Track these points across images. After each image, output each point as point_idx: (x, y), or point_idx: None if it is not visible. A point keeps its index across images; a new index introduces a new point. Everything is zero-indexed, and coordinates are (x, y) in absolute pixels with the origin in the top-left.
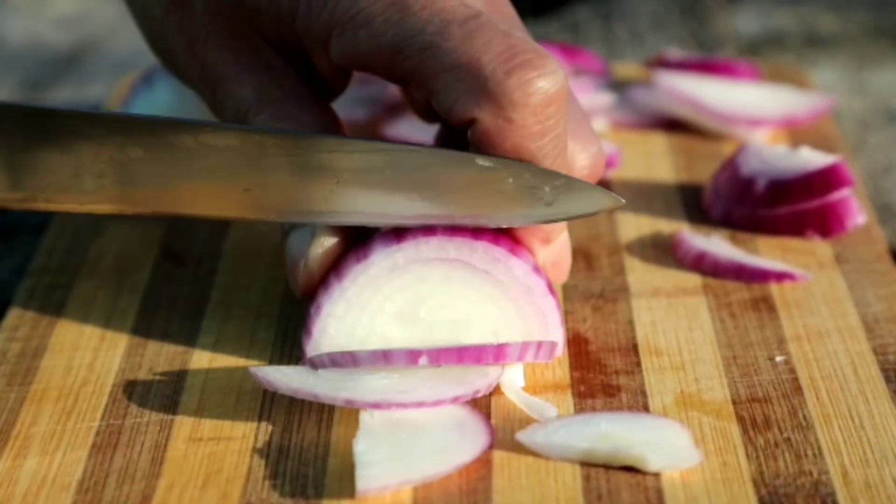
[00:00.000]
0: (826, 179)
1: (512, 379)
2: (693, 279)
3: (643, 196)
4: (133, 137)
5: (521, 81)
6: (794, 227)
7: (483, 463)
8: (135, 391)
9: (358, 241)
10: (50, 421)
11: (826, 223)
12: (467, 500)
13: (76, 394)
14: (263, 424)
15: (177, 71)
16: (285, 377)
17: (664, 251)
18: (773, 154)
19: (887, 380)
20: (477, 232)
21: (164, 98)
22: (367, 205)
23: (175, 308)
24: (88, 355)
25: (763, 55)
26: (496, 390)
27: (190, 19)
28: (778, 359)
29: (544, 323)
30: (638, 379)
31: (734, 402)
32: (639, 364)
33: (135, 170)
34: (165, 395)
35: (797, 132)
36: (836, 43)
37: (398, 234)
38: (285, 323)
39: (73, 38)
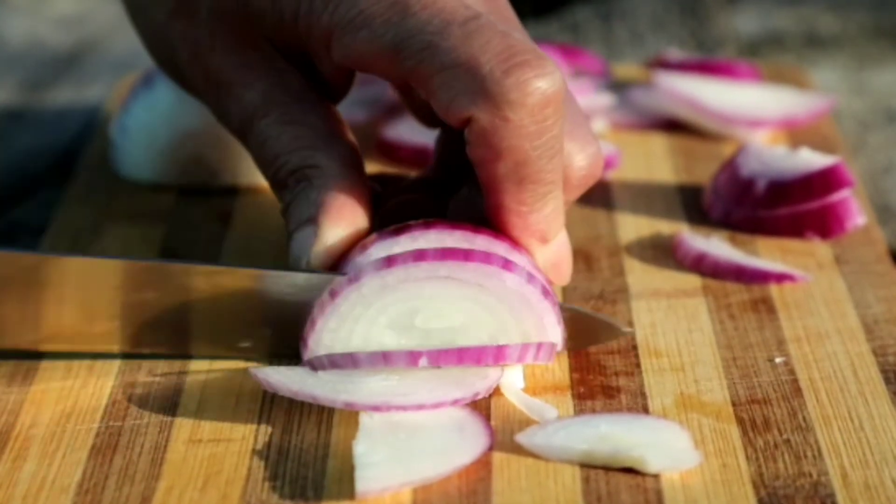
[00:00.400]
0: (826, 180)
1: (511, 381)
2: (693, 280)
3: (643, 197)
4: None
5: (518, 81)
6: (794, 228)
7: (483, 464)
8: (134, 393)
9: (361, 239)
10: (49, 422)
11: (826, 224)
12: (467, 501)
13: (76, 395)
14: (263, 426)
15: (179, 77)
16: (285, 379)
17: (664, 252)
18: (772, 155)
19: (887, 381)
20: (468, 253)
21: (164, 99)
22: None
23: None
24: (88, 356)
25: (763, 55)
26: (496, 392)
27: (195, 24)
28: (777, 360)
29: (542, 326)
30: (637, 380)
31: (734, 404)
32: (638, 365)
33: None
34: (165, 396)
35: (797, 133)
36: (836, 43)
37: (388, 259)
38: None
39: (73, 38)
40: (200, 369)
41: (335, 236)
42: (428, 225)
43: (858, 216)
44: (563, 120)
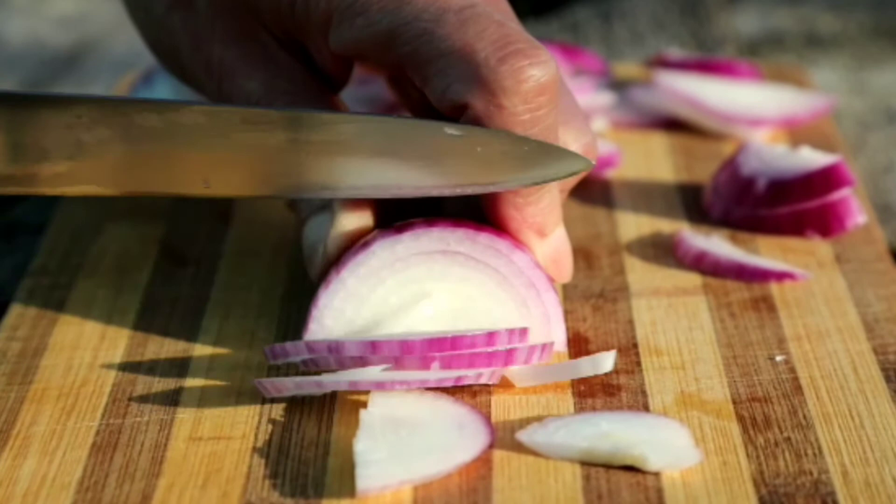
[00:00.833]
0: (826, 179)
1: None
2: (693, 279)
3: (643, 196)
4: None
5: (513, 69)
6: (795, 226)
7: (483, 462)
8: (135, 390)
9: (379, 224)
10: (50, 420)
11: (826, 223)
12: (467, 499)
13: (76, 393)
14: (263, 424)
15: (179, 70)
16: (287, 380)
17: (664, 251)
18: (773, 154)
19: (887, 379)
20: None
21: (164, 97)
22: (339, 176)
23: (175, 308)
24: (88, 355)
25: (763, 55)
26: (497, 389)
27: (194, 16)
28: (778, 358)
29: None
30: (638, 378)
31: (734, 402)
32: (639, 363)
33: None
34: (165, 394)
35: (797, 132)
36: (836, 43)
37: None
38: (285, 323)
39: (73, 38)
40: (201, 367)
41: (351, 222)
42: (430, 223)
43: (859, 215)
44: (557, 110)
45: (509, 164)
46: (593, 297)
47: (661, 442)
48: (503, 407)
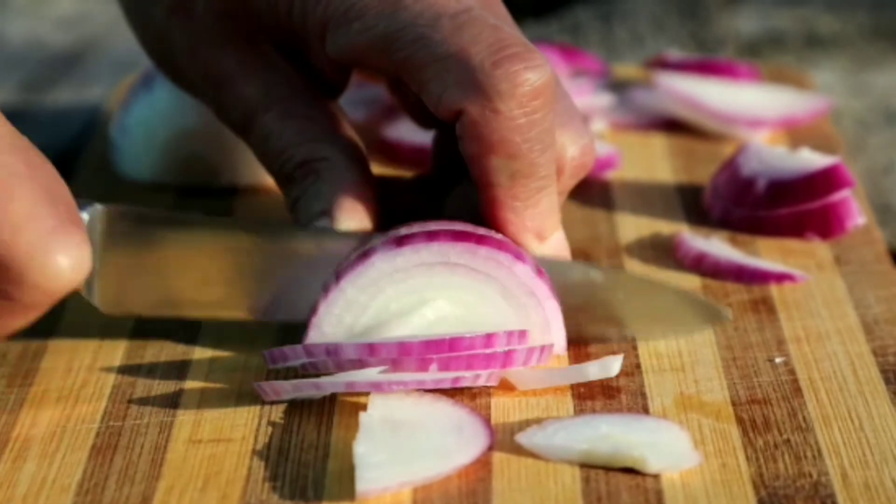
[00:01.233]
0: (826, 180)
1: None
2: (693, 280)
3: (643, 197)
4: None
5: (508, 73)
6: (794, 228)
7: (482, 464)
8: (135, 393)
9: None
10: (50, 423)
11: (826, 224)
12: (467, 501)
13: (76, 395)
14: (263, 426)
15: (177, 76)
16: (287, 384)
17: (664, 252)
18: (772, 155)
19: (887, 381)
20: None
21: (164, 99)
22: None
23: None
24: (88, 357)
25: (763, 56)
26: (496, 391)
27: (192, 21)
28: (777, 360)
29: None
30: (637, 380)
31: (734, 404)
32: (638, 365)
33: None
34: (165, 396)
35: (797, 133)
36: (836, 43)
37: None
38: (285, 325)
39: (73, 38)
40: (201, 369)
41: (351, 227)
42: (431, 237)
43: (858, 216)
44: (553, 114)
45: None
46: None
47: (661, 444)
48: (503, 409)
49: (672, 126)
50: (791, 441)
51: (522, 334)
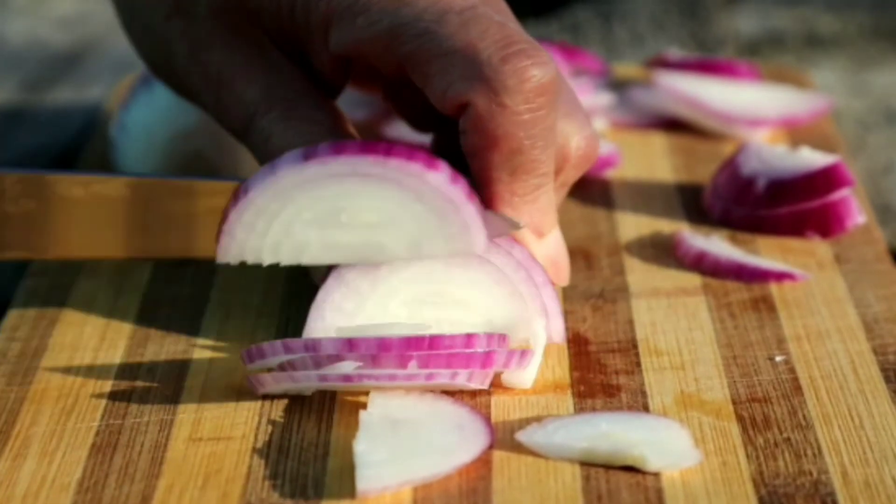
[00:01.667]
0: (826, 179)
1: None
2: (693, 279)
3: (643, 196)
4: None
5: (516, 68)
6: (794, 227)
7: (483, 463)
8: (135, 391)
9: None
10: (50, 421)
11: (826, 223)
12: (467, 500)
13: (76, 394)
14: (263, 424)
15: (174, 80)
16: (270, 377)
17: (664, 251)
18: (773, 154)
19: (887, 380)
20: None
21: (163, 98)
22: None
23: (175, 308)
24: (88, 355)
25: (763, 55)
26: (496, 390)
27: (193, 23)
28: (778, 359)
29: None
30: (638, 379)
31: (734, 402)
32: (639, 364)
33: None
34: (165, 395)
35: (797, 132)
36: (836, 43)
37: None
38: (285, 323)
39: (73, 38)
40: (201, 367)
41: None
42: (338, 150)
43: (858, 215)
44: (556, 112)
45: None
46: (593, 298)
47: (661, 442)
48: (503, 407)
49: (672, 125)
50: (791, 439)
51: (503, 338)
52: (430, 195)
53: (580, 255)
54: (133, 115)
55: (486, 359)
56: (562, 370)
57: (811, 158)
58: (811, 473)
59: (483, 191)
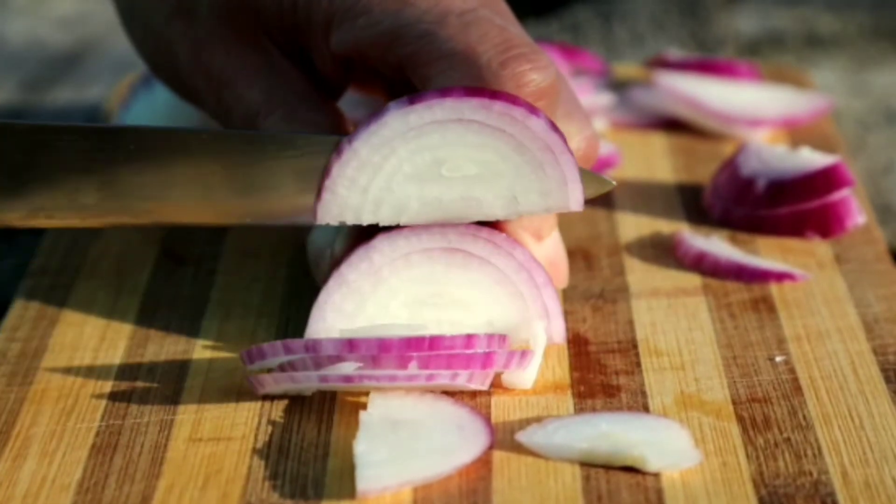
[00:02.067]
0: (826, 180)
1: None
2: (693, 279)
3: (643, 196)
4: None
5: (514, 72)
6: (794, 227)
7: (483, 463)
8: (135, 392)
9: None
10: (50, 421)
11: (826, 223)
12: (467, 500)
13: (76, 394)
14: (263, 425)
15: (176, 82)
16: (271, 378)
17: (664, 251)
18: (772, 154)
19: (887, 380)
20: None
21: (163, 99)
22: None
23: (175, 308)
24: (88, 355)
25: (763, 55)
26: (496, 390)
27: (195, 25)
28: (778, 359)
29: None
30: (638, 379)
31: (734, 403)
32: (639, 364)
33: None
34: (165, 395)
35: (797, 132)
36: (836, 43)
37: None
38: (285, 323)
39: (73, 38)
40: (201, 368)
41: (358, 225)
42: (444, 93)
43: (858, 215)
44: (555, 116)
45: None
46: (593, 298)
47: (661, 443)
48: (503, 408)
49: (672, 125)
50: (791, 439)
51: (503, 338)
52: (530, 142)
53: (580, 255)
54: (133, 116)
55: (487, 359)
56: (562, 370)
57: (811, 158)
58: (811, 474)
59: None
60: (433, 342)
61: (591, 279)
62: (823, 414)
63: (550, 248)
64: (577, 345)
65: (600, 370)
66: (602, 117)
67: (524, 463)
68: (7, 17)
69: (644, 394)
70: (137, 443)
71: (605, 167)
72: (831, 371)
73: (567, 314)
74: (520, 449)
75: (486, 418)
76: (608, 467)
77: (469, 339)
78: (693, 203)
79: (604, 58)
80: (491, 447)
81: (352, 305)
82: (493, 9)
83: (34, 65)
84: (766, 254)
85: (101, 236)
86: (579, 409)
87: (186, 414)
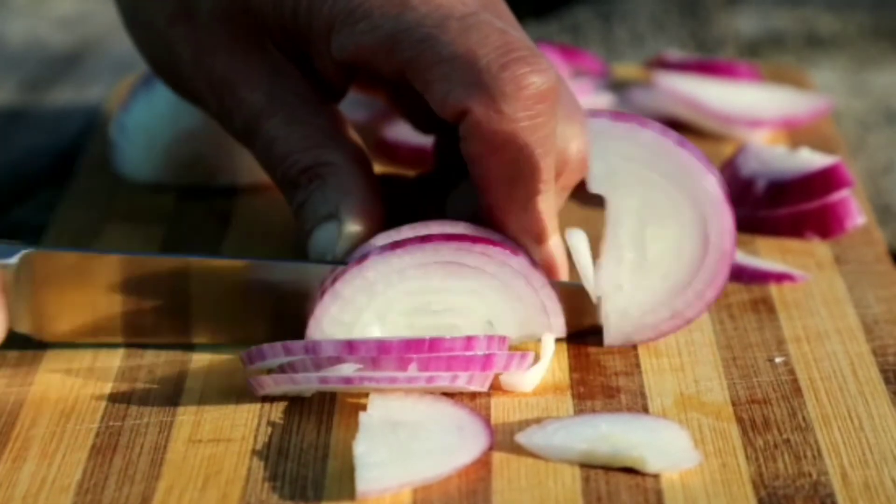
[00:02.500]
0: (825, 180)
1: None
2: None
3: None
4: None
5: (514, 75)
6: (794, 227)
7: (482, 464)
8: (134, 393)
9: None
10: (49, 423)
11: (825, 224)
12: (467, 501)
13: (76, 396)
14: (263, 426)
15: (179, 83)
16: (271, 379)
17: None
18: (772, 155)
19: (887, 381)
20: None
21: (164, 99)
22: None
23: None
24: (88, 356)
25: (763, 55)
26: (496, 391)
27: (196, 28)
28: (777, 360)
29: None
30: (637, 380)
31: (733, 404)
32: (638, 365)
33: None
34: (165, 396)
35: (797, 133)
36: (836, 43)
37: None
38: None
39: (73, 38)
40: (200, 369)
41: (358, 231)
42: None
43: (858, 216)
44: (555, 119)
45: None
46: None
47: (661, 444)
48: (503, 409)
49: (672, 126)
50: (791, 441)
51: (503, 340)
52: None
53: None
54: (133, 116)
55: (486, 361)
56: (561, 372)
57: (811, 159)
58: (811, 475)
59: (484, 198)
60: (433, 344)
61: None
62: (823, 415)
63: (552, 251)
64: (577, 346)
65: (600, 371)
66: None
67: (524, 464)
68: (7, 17)
69: (644, 395)
70: (137, 444)
71: None
72: (831, 372)
73: None
74: (519, 450)
75: (486, 419)
76: (608, 468)
77: (469, 340)
78: None
79: (604, 58)
80: (490, 448)
81: (349, 316)
82: (494, 12)
83: (34, 65)
84: (765, 255)
85: (102, 237)
86: (579, 411)
87: (186, 415)
